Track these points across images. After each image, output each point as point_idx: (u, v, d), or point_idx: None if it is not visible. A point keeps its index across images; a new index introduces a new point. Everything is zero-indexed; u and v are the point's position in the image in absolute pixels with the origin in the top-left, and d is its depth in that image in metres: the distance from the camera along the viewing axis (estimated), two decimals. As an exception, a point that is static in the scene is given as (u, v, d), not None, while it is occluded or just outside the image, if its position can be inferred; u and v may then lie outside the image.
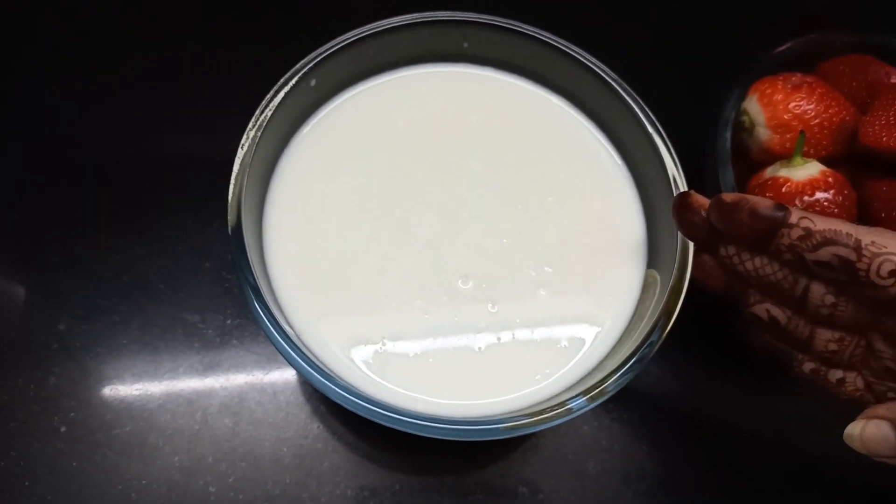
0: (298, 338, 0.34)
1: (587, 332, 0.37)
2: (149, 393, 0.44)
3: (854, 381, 0.33)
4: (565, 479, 0.45)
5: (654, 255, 0.39)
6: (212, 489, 0.42)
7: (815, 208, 0.38)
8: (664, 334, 0.34)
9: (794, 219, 0.30)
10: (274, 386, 0.45)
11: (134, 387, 0.44)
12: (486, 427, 0.32)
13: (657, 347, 0.34)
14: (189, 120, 0.52)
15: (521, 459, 0.45)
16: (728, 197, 0.31)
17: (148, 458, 0.42)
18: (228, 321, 0.46)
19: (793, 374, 0.35)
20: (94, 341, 0.45)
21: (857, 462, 0.34)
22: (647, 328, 0.34)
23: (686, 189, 0.35)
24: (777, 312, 0.34)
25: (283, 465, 0.43)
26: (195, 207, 0.49)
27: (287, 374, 0.45)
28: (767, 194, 0.39)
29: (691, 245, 0.35)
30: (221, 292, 0.47)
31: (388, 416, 0.31)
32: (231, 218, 0.33)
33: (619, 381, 0.33)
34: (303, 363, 0.31)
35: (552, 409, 0.32)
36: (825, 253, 0.29)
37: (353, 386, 0.32)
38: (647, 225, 0.39)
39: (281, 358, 0.32)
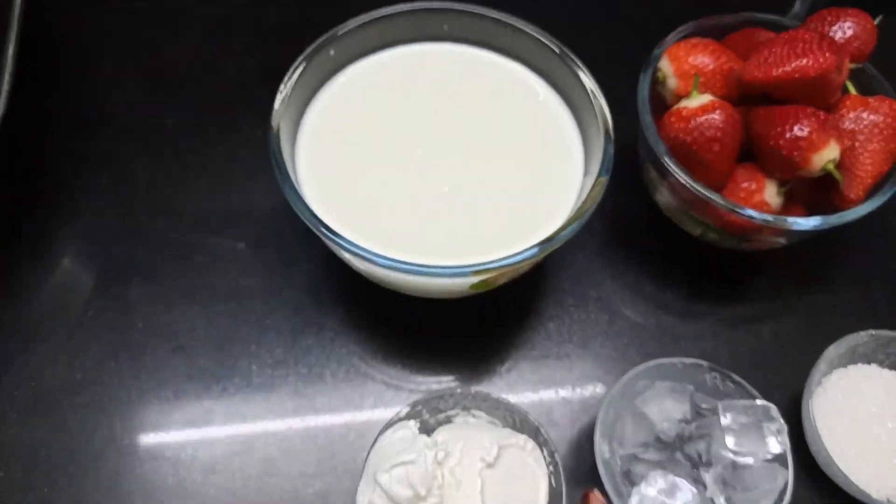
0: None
1: (542, 208, 0.49)
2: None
3: None
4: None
5: (588, 162, 0.52)
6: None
7: (706, 126, 0.50)
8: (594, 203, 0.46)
9: None
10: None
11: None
12: (456, 268, 0.44)
13: (590, 214, 0.46)
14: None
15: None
16: None
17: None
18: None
19: None
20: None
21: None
22: (583, 202, 0.46)
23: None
24: None
25: (311, 338, 0.55)
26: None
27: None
28: (672, 119, 0.52)
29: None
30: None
31: (380, 259, 0.43)
32: (274, 124, 0.47)
33: (564, 236, 0.45)
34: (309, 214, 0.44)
35: (510, 256, 0.44)
36: None
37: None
38: (583, 142, 0.52)
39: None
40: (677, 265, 0.62)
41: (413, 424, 0.46)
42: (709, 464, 0.49)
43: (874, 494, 0.49)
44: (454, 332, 0.58)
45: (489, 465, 0.45)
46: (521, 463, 0.46)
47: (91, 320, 0.57)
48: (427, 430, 0.48)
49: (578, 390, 0.56)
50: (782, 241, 0.55)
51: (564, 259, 0.61)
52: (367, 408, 0.55)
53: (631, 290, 0.61)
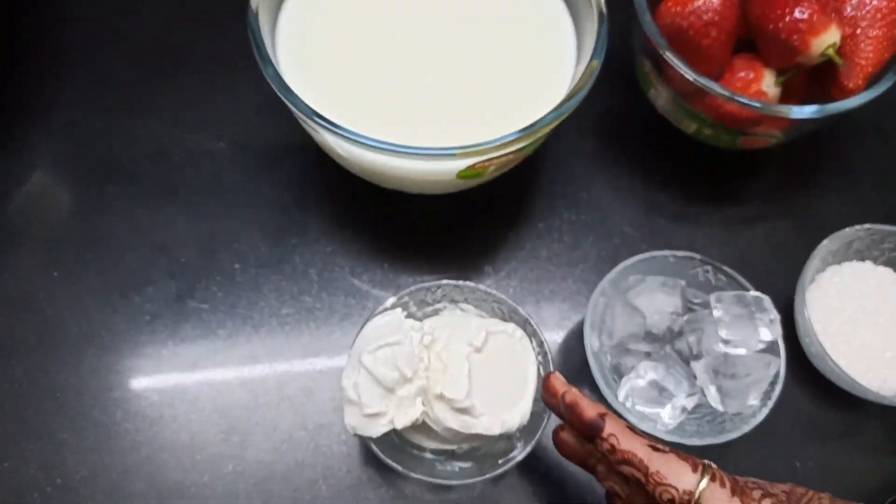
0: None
1: (532, 93, 0.47)
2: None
3: None
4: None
5: (581, 48, 0.50)
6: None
7: (703, 9, 0.48)
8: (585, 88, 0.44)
9: (605, 433, 0.37)
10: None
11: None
12: (442, 150, 0.43)
13: (580, 99, 0.44)
14: None
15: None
16: (568, 397, 0.39)
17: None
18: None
19: None
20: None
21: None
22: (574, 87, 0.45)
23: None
24: (618, 489, 0.41)
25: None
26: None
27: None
28: (669, 4, 0.50)
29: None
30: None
31: (365, 140, 0.42)
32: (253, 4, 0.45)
33: (551, 118, 0.43)
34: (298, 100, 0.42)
35: (497, 139, 0.42)
36: (624, 469, 0.38)
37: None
38: (575, 26, 0.50)
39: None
40: (670, 166, 0.60)
41: (399, 312, 0.45)
42: (699, 356, 0.49)
43: (865, 384, 0.49)
44: (443, 231, 0.57)
45: (477, 350, 0.44)
46: (509, 350, 0.45)
47: (68, 219, 0.56)
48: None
49: (568, 290, 0.55)
50: (778, 135, 0.54)
51: (556, 161, 0.60)
52: (353, 306, 0.54)
53: (623, 191, 0.59)
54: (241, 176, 0.57)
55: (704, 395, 0.48)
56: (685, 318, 0.49)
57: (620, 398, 0.47)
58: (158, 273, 0.54)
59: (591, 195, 0.59)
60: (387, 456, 0.43)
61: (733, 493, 0.36)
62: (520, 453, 0.44)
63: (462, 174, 0.47)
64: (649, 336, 0.49)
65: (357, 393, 0.42)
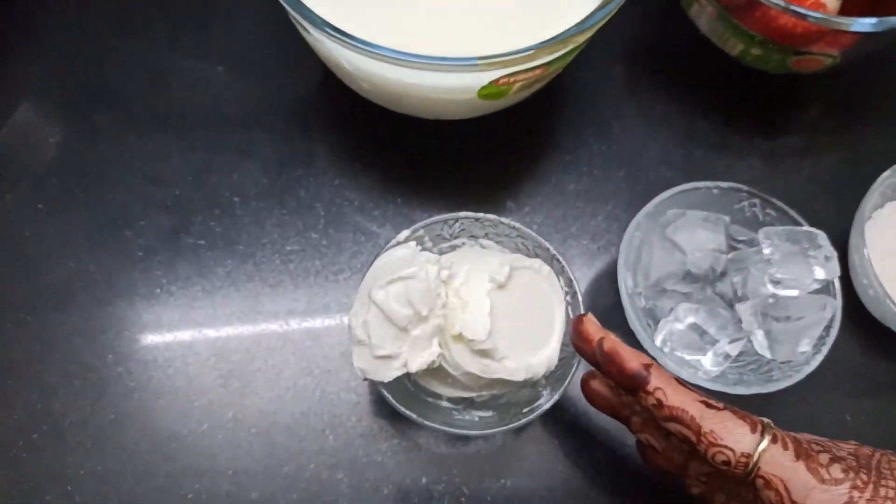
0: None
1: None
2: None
3: None
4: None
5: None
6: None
7: None
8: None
9: (650, 386, 0.33)
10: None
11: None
12: (463, 61, 0.38)
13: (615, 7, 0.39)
14: None
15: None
16: (606, 344, 0.35)
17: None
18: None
19: (686, 491, 0.38)
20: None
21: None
22: None
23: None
24: (654, 441, 0.38)
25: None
26: None
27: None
28: None
29: None
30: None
31: (378, 50, 0.36)
32: None
33: (581, 29, 0.38)
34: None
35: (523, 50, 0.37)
36: (671, 426, 0.33)
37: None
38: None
39: None
40: (712, 92, 0.55)
41: (414, 245, 0.40)
42: (744, 298, 0.44)
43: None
44: (461, 163, 0.52)
45: (500, 287, 0.39)
46: (535, 288, 0.41)
47: (55, 150, 0.51)
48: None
49: (597, 228, 0.51)
50: (834, 55, 0.48)
51: (585, 88, 0.55)
52: (363, 244, 0.49)
53: (658, 121, 0.54)
54: (240, 103, 0.53)
55: (750, 340, 0.43)
56: (729, 256, 0.45)
57: (658, 343, 0.42)
58: (152, 207, 0.50)
59: (624, 125, 0.54)
60: (400, 403, 0.39)
61: (797, 456, 0.31)
62: (546, 402, 0.40)
63: (484, 91, 0.42)
64: (689, 276, 0.45)
65: (367, 332, 0.37)
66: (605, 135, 0.53)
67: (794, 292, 0.42)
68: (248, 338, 0.46)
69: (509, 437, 0.45)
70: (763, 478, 0.31)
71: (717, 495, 0.37)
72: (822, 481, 0.31)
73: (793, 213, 0.45)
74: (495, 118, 0.47)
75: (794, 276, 0.42)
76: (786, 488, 0.31)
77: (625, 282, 0.43)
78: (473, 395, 0.42)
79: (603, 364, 0.35)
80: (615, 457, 0.45)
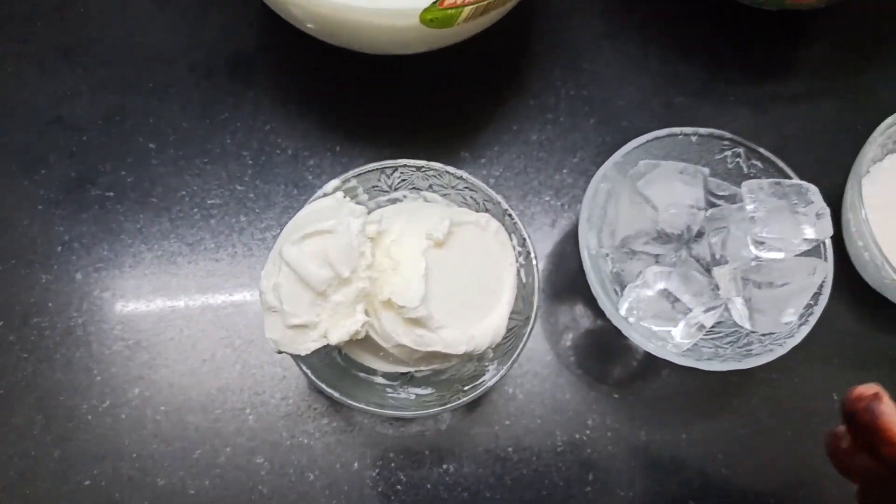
0: None
1: None
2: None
3: None
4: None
5: None
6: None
7: None
8: None
9: None
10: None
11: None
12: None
13: None
14: None
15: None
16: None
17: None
18: None
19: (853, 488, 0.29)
20: None
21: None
22: None
23: None
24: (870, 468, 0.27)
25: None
26: None
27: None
28: None
29: None
30: None
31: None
32: None
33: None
34: None
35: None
36: None
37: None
38: None
39: None
40: (696, 32, 0.49)
41: (340, 196, 0.34)
42: (723, 262, 0.38)
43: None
44: (411, 106, 0.46)
45: (437, 245, 0.33)
46: (481, 246, 0.35)
47: (-55, 85, 0.45)
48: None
49: (562, 183, 0.45)
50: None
51: (554, 24, 0.48)
52: (295, 197, 0.43)
53: (635, 62, 0.48)
54: (160, 35, 0.46)
55: (728, 309, 0.38)
56: (707, 213, 0.39)
57: (623, 312, 0.37)
58: (55, 152, 0.44)
59: (596, 66, 0.48)
60: (326, 380, 0.34)
61: None
62: (491, 378, 0.35)
63: (429, 15, 0.36)
64: (662, 236, 0.39)
65: (278, 298, 0.32)
66: (575, 77, 0.47)
67: (779, 255, 0.36)
68: (159, 303, 0.41)
69: (455, 417, 0.40)
70: None
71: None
72: None
73: (781, 164, 0.39)
74: (450, 56, 0.41)
75: (779, 236, 0.36)
76: None
77: (587, 242, 0.38)
78: (412, 370, 0.37)
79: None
80: (574, 439, 0.39)
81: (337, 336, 0.32)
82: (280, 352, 0.33)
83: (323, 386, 0.34)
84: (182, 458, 0.38)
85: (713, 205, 0.40)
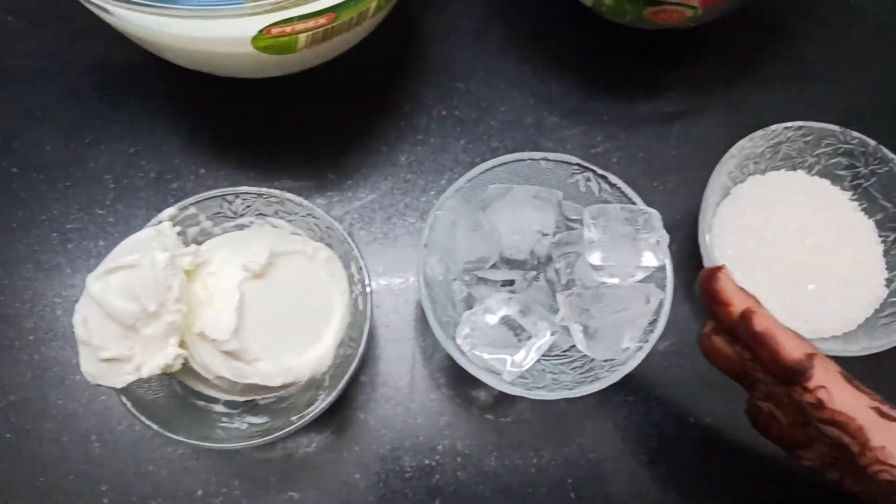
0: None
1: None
2: None
3: (852, 486, 0.31)
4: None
5: None
6: None
7: None
8: None
9: (812, 383, 0.28)
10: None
11: None
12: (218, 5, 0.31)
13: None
14: None
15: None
16: (759, 323, 0.29)
17: None
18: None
19: (793, 460, 0.33)
20: None
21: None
22: None
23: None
24: (779, 414, 0.32)
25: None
26: None
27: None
28: None
29: None
30: None
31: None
32: None
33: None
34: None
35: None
36: (829, 430, 0.28)
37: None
38: None
39: None
40: (570, 51, 0.49)
41: (165, 226, 0.34)
42: (571, 287, 0.38)
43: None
44: (280, 128, 0.46)
45: (256, 276, 0.33)
46: (309, 276, 0.35)
47: None
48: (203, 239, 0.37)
49: (429, 204, 0.45)
50: (695, 7, 0.42)
51: (427, 44, 0.48)
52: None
53: (510, 81, 0.48)
54: (28, 57, 0.46)
55: (572, 335, 0.37)
56: (555, 238, 0.39)
57: (459, 339, 0.36)
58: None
59: (470, 86, 0.48)
60: (147, 410, 0.34)
61: None
62: (317, 406, 0.34)
63: (259, 43, 0.36)
64: (510, 261, 0.39)
65: (87, 331, 0.31)
66: (448, 98, 0.47)
67: (615, 280, 0.36)
68: (13, 325, 0.40)
69: (305, 443, 0.39)
70: None
71: (831, 472, 0.32)
72: None
73: (628, 189, 0.39)
74: (323, 78, 0.41)
75: (616, 263, 0.36)
76: None
77: (426, 268, 0.37)
78: (257, 397, 0.37)
79: (751, 344, 0.30)
80: (423, 465, 0.39)
81: (148, 370, 0.32)
82: (98, 385, 0.33)
83: (141, 417, 0.34)
84: (26, 484, 0.38)
85: (570, 228, 0.40)
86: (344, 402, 0.40)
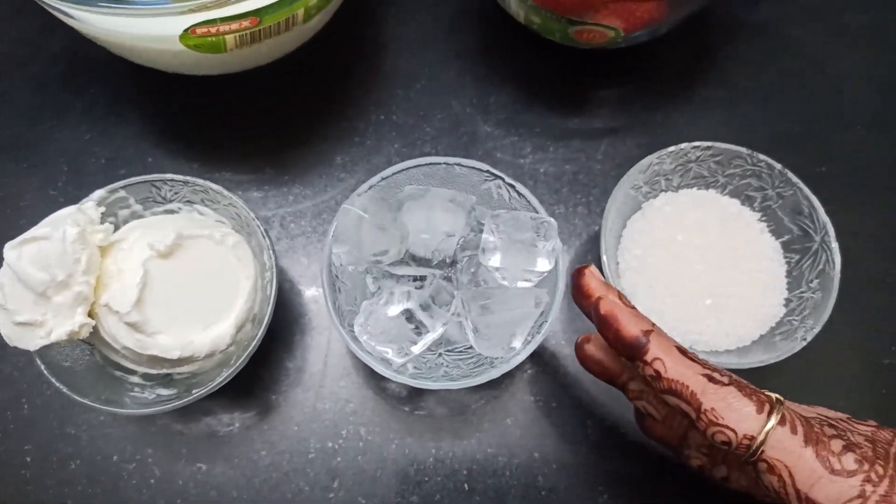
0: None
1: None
2: None
3: (738, 480, 0.34)
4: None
5: None
6: None
7: None
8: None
9: (649, 356, 0.30)
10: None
11: None
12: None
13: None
14: None
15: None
16: (603, 306, 0.32)
17: None
18: None
19: (681, 460, 0.36)
20: None
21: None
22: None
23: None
24: (653, 410, 0.35)
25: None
26: None
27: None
28: None
29: None
30: None
31: None
32: None
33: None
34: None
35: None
36: (670, 399, 0.30)
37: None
38: None
39: None
40: (511, 64, 0.51)
41: (89, 206, 0.37)
42: (473, 285, 0.40)
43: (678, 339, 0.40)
44: (226, 122, 0.49)
45: (162, 256, 0.36)
46: (215, 259, 0.38)
47: None
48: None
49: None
50: (617, 30, 0.44)
51: (371, 52, 0.51)
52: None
53: (450, 90, 0.50)
54: (5, 43, 0.50)
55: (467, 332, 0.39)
56: (460, 241, 0.41)
57: (357, 326, 0.39)
58: None
59: (411, 93, 0.50)
60: (60, 375, 0.37)
61: (806, 441, 0.28)
62: (215, 381, 0.37)
63: (188, 41, 0.38)
64: (418, 259, 0.41)
65: (3, 296, 0.34)
66: (389, 103, 0.49)
67: (504, 283, 0.38)
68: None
69: (216, 421, 0.42)
70: (766, 462, 0.29)
71: (718, 469, 0.35)
72: (832, 472, 0.28)
73: (532, 198, 0.41)
74: (273, 77, 0.46)
75: (508, 266, 0.38)
76: (790, 475, 0.28)
77: (335, 253, 0.40)
78: (171, 371, 0.40)
79: (599, 328, 0.32)
80: (326, 447, 0.42)
81: (57, 335, 0.35)
82: (15, 346, 0.36)
83: (52, 379, 0.36)
84: (-46, 442, 0.41)
85: (481, 232, 0.42)
86: (264, 384, 0.43)
